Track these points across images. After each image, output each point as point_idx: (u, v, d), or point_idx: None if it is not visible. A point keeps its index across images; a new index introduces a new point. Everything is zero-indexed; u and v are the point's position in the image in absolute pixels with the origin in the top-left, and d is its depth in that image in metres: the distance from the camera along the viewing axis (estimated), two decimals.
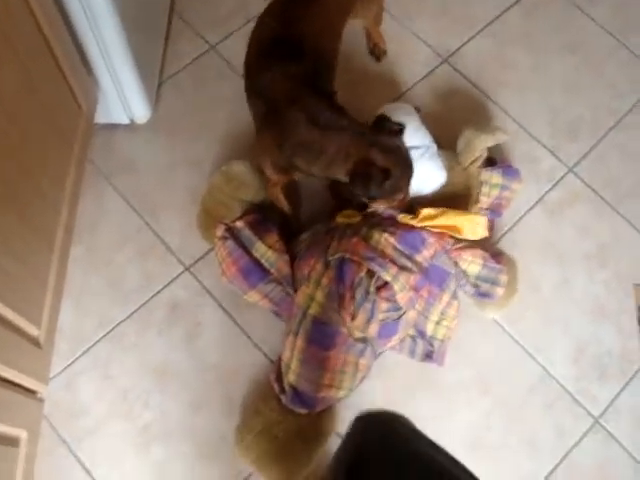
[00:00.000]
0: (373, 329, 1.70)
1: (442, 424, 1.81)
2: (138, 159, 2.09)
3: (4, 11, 1.35)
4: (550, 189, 2.09)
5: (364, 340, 1.71)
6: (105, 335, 1.87)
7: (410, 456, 1.05)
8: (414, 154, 1.69)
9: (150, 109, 2.09)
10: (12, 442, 1.45)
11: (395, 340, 1.78)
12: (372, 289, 1.68)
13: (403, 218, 1.79)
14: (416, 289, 1.72)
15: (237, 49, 2.24)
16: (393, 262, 1.69)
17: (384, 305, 1.69)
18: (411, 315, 1.75)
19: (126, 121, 2.08)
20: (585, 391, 1.86)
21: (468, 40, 2.32)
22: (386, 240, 1.72)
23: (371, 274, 1.69)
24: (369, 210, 1.81)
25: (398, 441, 1.13)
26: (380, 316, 1.69)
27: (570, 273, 1.99)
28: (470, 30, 2.34)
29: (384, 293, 1.68)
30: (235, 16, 2.32)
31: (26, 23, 1.46)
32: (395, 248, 1.72)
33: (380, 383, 1.84)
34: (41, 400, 1.59)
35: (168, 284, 1.92)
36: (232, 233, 1.80)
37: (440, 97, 2.21)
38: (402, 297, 1.69)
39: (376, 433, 1.18)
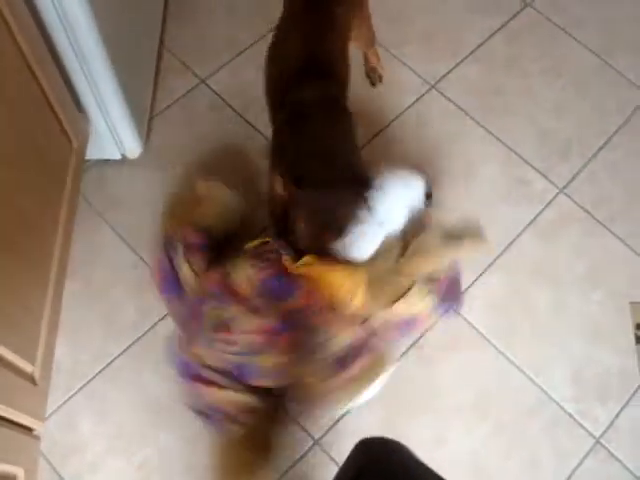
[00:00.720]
0: (217, 362, 1.59)
1: (441, 449, 1.80)
2: (130, 194, 2.09)
3: None
4: (542, 210, 2.09)
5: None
6: (101, 370, 1.86)
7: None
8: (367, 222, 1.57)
9: (141, 144, 2.10)
10: None
11: (271, 383, 1.63)
12: (208, 325, 1.58)
13: (285, 260, 1.59)
14: (272, 333, 1.55)
15: (227, 82, 2.27)
16: (243, 301, 1.55)
17: (221, 344, 1.57)
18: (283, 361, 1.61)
19: (118, 156, 2.10)
20: (585, 412, 1.85)
21: (455, 66, 2.34)
22: (249, 278, 1.56)
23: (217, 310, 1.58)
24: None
25: (399, 468, 1.13)
26: (227, 356, 1.58)
27: (565, 294, 1.99)
28: (456, 56, 2.36)
29: (222, 332, 1.56)
30: (224, 50, 2.34)
31: (15, 61, 1.48)
32: (256, 288, 1.56)
33: (379, 405, 1.83)
34: (37, 437, 1.58)
35: (163, 317, 1.92)
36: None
37: (429, 124, 2.22)
38: (242, 338, 1.56)
39: (377, 458, 1.18)
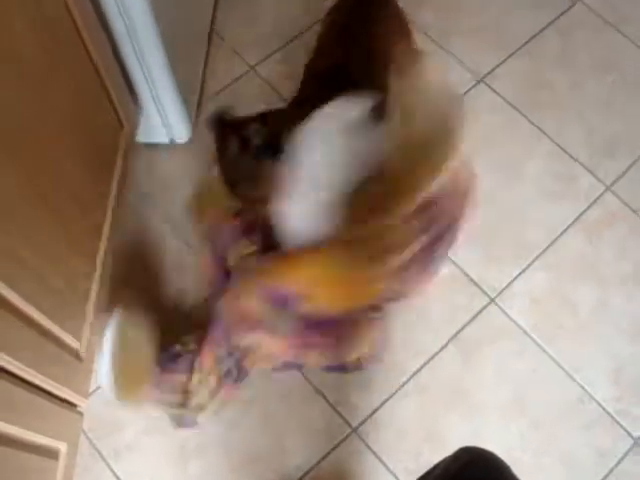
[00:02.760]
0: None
1: (476, 443, 1.79)
2: (178, 178, 2.12)
3: (56, 39, 1.41)
4: (587, 208, 2.08)
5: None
6: None
7: None
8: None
9: (190, 129, 2.12)
10: (51, 454, 1.47)
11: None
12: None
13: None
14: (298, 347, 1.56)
15: (276, 70, 2.28)
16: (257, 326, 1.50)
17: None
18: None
19: (166, 141, 2.12)
20: (625, 412, 1.84)
21: (503, 60, 2.32)
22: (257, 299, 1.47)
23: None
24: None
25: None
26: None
27: (609, 293, 1.97)
28: (505, 50, 2.34)
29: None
30: (274, 37, 2.35)
31: (73, 41, 1.50)
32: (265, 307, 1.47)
33: (416, 397, 1.84)
34: (81, 414, 1.61)
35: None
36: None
37: (475, 117, 2.21)
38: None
39: (480, 469, 1.18)
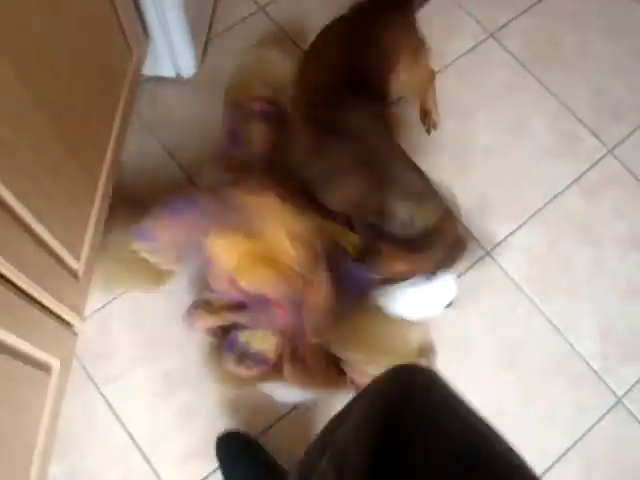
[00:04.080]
0: None
1: (462, 386, 1.82)
2: (181, 112, 2.11)
3: None
4: (588, 169, 2.09)
5: None
6: None
7: (450, 416, 0.97)
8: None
9: (197, 64, 2.11)
10: (45, 368, 1.47)
11: None
12: None
13: None
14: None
15: (286, 12, 2.27)
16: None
17: None
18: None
19: (172, 74, 2.11)
20: (610, 370, 1.87)
21: (516, 16, 2.31)
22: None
23: None
24: None
25: (439, 398, 1.04)
26: None
27: (603, 253, 1.99)
28: (517, 7, 2.33)
29: None
30: None
31: None
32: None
33: None
34: (75, 334, 1.62)
35: None
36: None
37: (482, 71, 2.21)
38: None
39: (413, 392, 1.11)
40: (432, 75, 2.04)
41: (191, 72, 2.12)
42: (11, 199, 1.21)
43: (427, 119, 2.09)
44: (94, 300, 1.85)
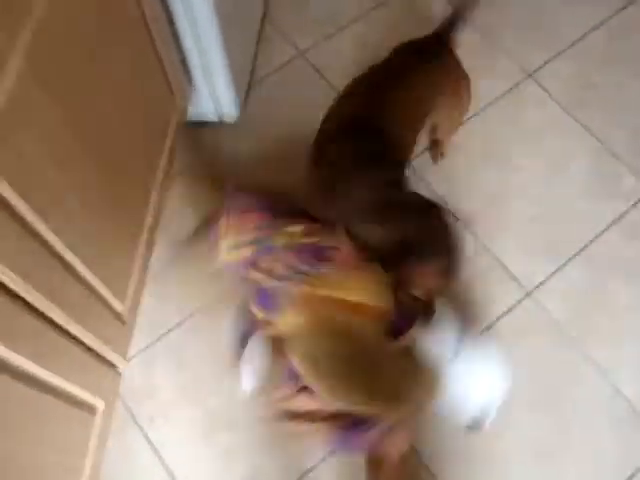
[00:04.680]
0: None
1: (504, 431, 1.81)
2: (224, 156, 2.16)
3: (121, 8, 1.46)
4: (629, 208, 2.08)
5: None
6: (183, 321, 1.93)
7: None
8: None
9: (239, 109, 2.16)
10: (89, 409, 1.51)
11: None
12: None
13: None
14: None
15: (325, 56, 2.32)
16: None
17: None
18: None
19: (215, 119, 2.16)
20: None
21: (552, 57, 2.33)
22: None
23: None
24: None
25: None
26: None
27: None
28: (554, 48, 2.35)
29: None
30: (324, 24, 2.39)
31: (135, 17, 1.55)
32: None
33: None
34: (119, 374, 1.65)
35: None
36: None
37: (522, 112, 2.23)
38: None
39: None
40: (460, 121, 2.00)
41: (234, 117, 2.17)
42: (60, 247, 1.26)
43: (436, 148, 2.10)
44: (139, 340, 1.89)
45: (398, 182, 1.58)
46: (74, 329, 1.35)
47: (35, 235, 1.17)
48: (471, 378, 1.37)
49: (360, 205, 1.44)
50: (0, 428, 1.16)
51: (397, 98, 1.63)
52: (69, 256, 1.30)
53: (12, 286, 1.11)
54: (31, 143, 1.12)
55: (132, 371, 1.86)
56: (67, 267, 1.30)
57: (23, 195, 1.11)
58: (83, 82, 1.30)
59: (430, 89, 1.71)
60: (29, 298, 1.17)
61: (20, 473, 1.25)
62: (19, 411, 1.21)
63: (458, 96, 1.85)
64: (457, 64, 1.81)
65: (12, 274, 1.10)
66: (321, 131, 1.69)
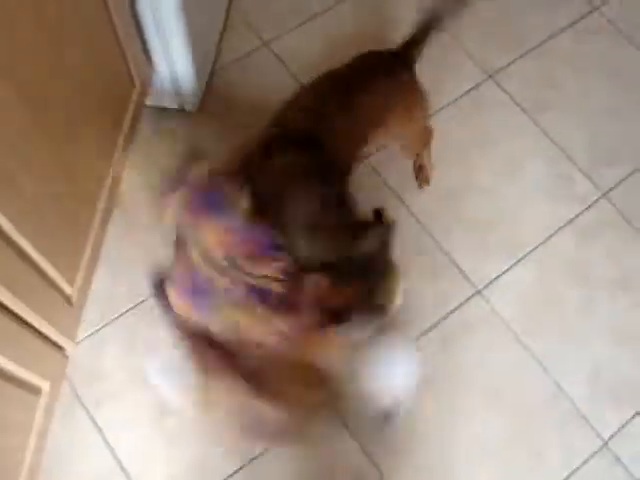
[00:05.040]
0: None
1: (450, 426, 1.85)
2: (183, 143, 2.15)
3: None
4: (582, 211, 2.11)
5: None
6: (135, 306, 1.93)
7: None
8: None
9: (200, 97, 2.16)
10: (34, 391, 1.50)
11: None
12: None
13: None
14: None
15: (289, 47, 2.32)
16: None
17: None
18: None
19: (175, 106, 2.16)
20: (597, 413, 1.88)
21: (515, 59, 2.35)
22: None
23: None
24: None
25: None
26: None
27: (594, 296, 2.01)
28: (517, 50, 2.37)
29: None
30: (290, 15, 2.39)
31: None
32: None
33: None
34: (66, 357, 1.65)
35: None
36: None
37: (482, 113, 2.25)
38: None
39: None
40: (430, 133, 2.01)
41: (194, 105, 2.16)
42: (7, 225, 1.25)
43: (421, 174, 2.12)
44: (89, 323, 1.88)
45: (337, 197, 1.57)
46: (20, 310, 1.35)
47: None
48: (376, 376, 1.42)
49: (293, 220, 1.43)
50: None
51: (342, 112, 1.61)
52: (15, 235, 1.30)
53: None
54: None
55: (81, 353, 1.86)
56: (13, 245, 1.29)
57: None
58: (39, 61, 1.29)
59: (379, 106, 1.68)
60: None
61: None
62: None
63: (410, 114, 1.83)
64: (414, 83, 1.79)
65: None
66: (265, 135, 1.66)
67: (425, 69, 2.17)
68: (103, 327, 1.91)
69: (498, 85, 2.29)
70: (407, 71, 1.76)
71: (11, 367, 1.36)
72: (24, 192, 1.30)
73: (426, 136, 2.02)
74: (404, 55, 1.76)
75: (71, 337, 1.63)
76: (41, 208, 1.39)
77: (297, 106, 1.66)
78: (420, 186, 2.12)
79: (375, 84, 1.66)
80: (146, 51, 1.91)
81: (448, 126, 2.21)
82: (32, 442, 1.52)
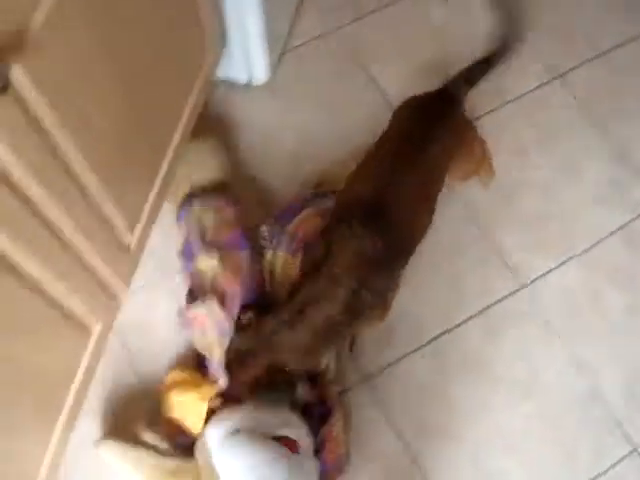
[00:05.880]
0: None
1: (480, 414, 1.88)
2: (247, 119, 2.22)
3: None
4: (634, 219, 2.11)
5: None
6: None
7: None
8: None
9: (269, 73, 2.21)
10: (86, 329, 1.56)
11: None
12: None
13: None
14: None
15: (361, 34, 2.36)
16: None
17: None
18: None
19: (244, 80, 2.22)
20: (630, 419, 1.88)
21: (584, 62, 2.35)
22: None
23: None
24: None
25: None
26: None
27: (638, 304, 2.00)
28: (588, 53, 2.36)
29: None
30: (363, 4, 2.42)
31: None
32: None
33: (432, 357, 1.93)
34: (118, 304, 1.70)
35: None
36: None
37: (544, 112, 2.26)
38: None
39: None
40: (485, 152, 1.98)
41: (263, 80, 2.22)
42: (80, 165, 1.31)
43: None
44: (142, 276, 1.93)
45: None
46: (80, 245, 1.40)
47: (56, 148, 1.22)
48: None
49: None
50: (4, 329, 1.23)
51: (410, 172, 1.58)
52: (87, 173, 1.36)
53: (22, 184, 1.15)
54: (65, 61, 1.17)
55: (131, 305, 1.92)
56: (82, 185, 1.36)
57: (53, 106, 1.16)
58: (122, 13, 1.35)
59: (444, 155, 1.65)
60: (40, 203, 1.22)
61: (18, 374, 1.32)
62: (22, 315, 1.27)
63: (472, 153, 1.84)
64: (467, 122, 1.78)
65: (28, 176, 1.15)
66: (337, 205, 1.67)
67: None
68: (156, 282, 1.98)
69: (564, 87, 2.30)
70: (460, 110, 1.74)
71: (68, 300, 1.42)
72: (100, 137, 1.36)
73: (483, 156, 1.97)
74: (454, 93, 1.73)
75: (125, 284, 1.68)
76: (113, 156, 1.45)
77: (362, 176, 1.64)
78: (484, 184, 2.11)
79: (437, 133, 1.63)
80: (221, 22, 1.97)
81: (509, 122, 2.22)
82: (78, 379, 1.58)
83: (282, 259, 1.81)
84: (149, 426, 1.71)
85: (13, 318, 1.25)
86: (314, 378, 1.73)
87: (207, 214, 1.88)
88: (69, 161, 1.27)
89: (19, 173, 1.12)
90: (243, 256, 1.81)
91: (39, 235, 1.24)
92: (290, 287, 1.61)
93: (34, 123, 1.13)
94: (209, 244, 1.82)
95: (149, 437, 1.69)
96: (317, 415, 1.69)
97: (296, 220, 1.86)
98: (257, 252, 1.85)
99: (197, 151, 2.02)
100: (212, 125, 2.18)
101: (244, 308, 1.67)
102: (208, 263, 1.78)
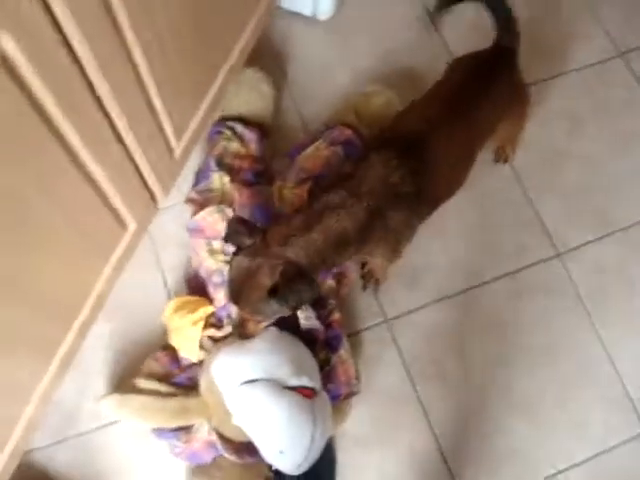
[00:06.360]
0: None
1: (499, 371, 1.88)
2: (308, 52, 2.22)
3: None
4: None
5: None
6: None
7: None
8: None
9: (333, 10, 2.20)
10: (122, 224, 1.57)
11: None
12: None
13: None
14: None
15: None
16: None
17: None
18: None
19: (308, 13, 2.21)
20: None
21: None
22: None
23: None
24: None
25: None
26: None
27: None
28: None
29: None
30: None
31: None
32: None
33: (452, 316, 1.93)
34: (156, 207, 1.72)
35: None
36: None
37: (604, 87, 2.23)
38: None
39: None
40: (521, 129, 1.98)
41: (327, 16, 2.21)
42: (143, 66, 1.32)
43: (500, 151, 2.07)
44: (181, 191, 1.95)
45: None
46: (129, 141, 1.40)
47: (123, 39, 1.22)
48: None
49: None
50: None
51: (458, 123, 1.57)
52: (147, 76, 1.36)
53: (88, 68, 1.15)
54: None
55: (167, 218, 1.94)
56: (143, 89, 1.36)
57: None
58: None
59: (494, 114, 1.65)
60: (99, 87, 1.22)
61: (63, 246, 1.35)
62: (76, 196, 1.31)
63: (521, 116, 1.85)
64: (522, 84, 1.77)
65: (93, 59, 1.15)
66: (378, 137, 1.66)
67: (551, 32, 2.17)
68: None
69: (627, 65, 2.26)
70: (516, 70, 1.72)
71: (111, 190, 1.43)
72: (162, 38, 1.36)
73: (524, 125, 1.96)
74: (508, 50, 1.70)
75: (165, 190, 1.69)
76: (173, 61, 1.44)
77: (410, 118, 1.63)
78: (497, 161, 2.09)
79: (490, 91, 1.62)
80: None
81: (567, 92, 2.20)
82: (107, 271, 1.59)
83: (289, 189, 1.88)
84: (145, 374, 1.74)
85: (68, 200, 1.29)
86: (318, 304, 1.75)
87: (234, 143, 1.93)
88: (130, 47, 1.27)
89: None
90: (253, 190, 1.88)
91: (99, 124, 1.26)
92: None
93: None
94: (225, 166, 1.90)
95: (147, 384, 1.71)
96: (322, 340, 1.72)
97: (306, 152, 1.93)
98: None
99: (249, 79, 2.03)
100: (270, 56, 2.18)
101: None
102: (221, 180, 1.87)
